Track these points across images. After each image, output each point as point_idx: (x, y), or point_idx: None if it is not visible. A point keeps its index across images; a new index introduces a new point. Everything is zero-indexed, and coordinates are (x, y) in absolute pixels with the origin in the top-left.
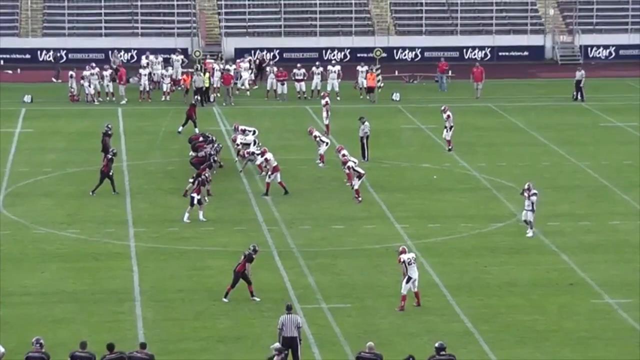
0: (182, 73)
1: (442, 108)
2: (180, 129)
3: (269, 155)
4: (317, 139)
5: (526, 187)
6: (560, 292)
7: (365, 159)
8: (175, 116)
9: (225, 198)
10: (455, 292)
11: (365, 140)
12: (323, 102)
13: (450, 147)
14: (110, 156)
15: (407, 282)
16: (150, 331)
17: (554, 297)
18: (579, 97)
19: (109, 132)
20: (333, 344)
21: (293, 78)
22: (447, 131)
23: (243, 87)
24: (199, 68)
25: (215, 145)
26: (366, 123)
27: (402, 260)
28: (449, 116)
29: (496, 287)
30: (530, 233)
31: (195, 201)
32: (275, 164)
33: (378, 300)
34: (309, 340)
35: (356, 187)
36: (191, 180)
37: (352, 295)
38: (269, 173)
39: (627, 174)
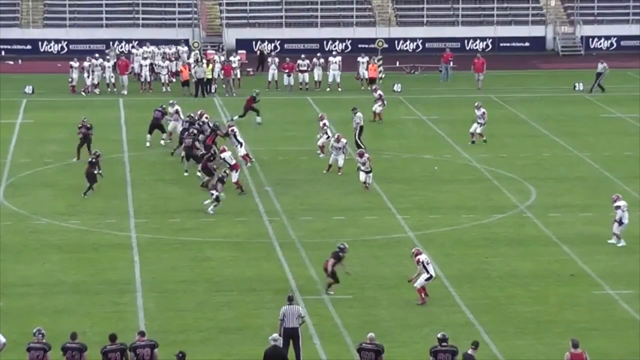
0: (180, 64)
1: (477, 105)
2: (236, 117)
3: (226, 154)
4: (325, 127)
5: (613, 198)
6: (561, 283)
7: (360, 148)
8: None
9: (226, 189)
10: (456, 283)
11: (358, 131)
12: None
13: (474, 140)
14: (93, 159)
15: (428, 280)
16: (151, 322)
17: (555, 288)
18: (595, 88)
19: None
20: (334, 334)
21: (297, 69)
22: (479, 126)
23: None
24: (200, 59)
25: (190, 130)
26: (358, 114)
27: (420, 260)
28: (484, 113)
29: (497, 278)
30: (614, 240)
31: (216, 196)
32: (233, 162)
33: (379, 291)
34: (310, 331)
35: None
36: (201, 175)
37: (353, 286)
38: (229, 171)
39: (627, 165)
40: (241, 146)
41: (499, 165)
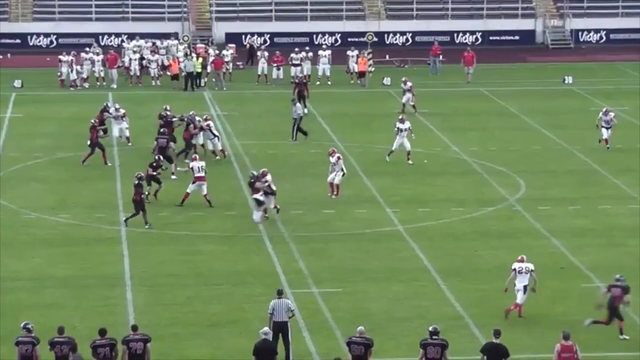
0: (169, 58)
1: (604, 110)
2: (305, 110)
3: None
4: (340, 161)
5: None
6: (550, 276)
7: (293, 138)
8: (166, 101)
9: (216, 183)
10: (446, 277)
11: (298, 122)
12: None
13: (608, 146)
14: (137, 182)
15: (525, 292)
16: (141, 316)
17: (545, 281)
18: None
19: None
20: (324, 328)
21: (290, 62)
22: (607, 130)
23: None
24: (189, 53)
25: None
26: (297, 105)
27: (515, 268)
28: (612, 118)
29: (487, 272)
30: None
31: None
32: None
33: (369, 285)
34: (300, 325)
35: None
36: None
37: (343, 279)
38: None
39: (617, 158)
40: (218, 139)
41: (488, 158)
